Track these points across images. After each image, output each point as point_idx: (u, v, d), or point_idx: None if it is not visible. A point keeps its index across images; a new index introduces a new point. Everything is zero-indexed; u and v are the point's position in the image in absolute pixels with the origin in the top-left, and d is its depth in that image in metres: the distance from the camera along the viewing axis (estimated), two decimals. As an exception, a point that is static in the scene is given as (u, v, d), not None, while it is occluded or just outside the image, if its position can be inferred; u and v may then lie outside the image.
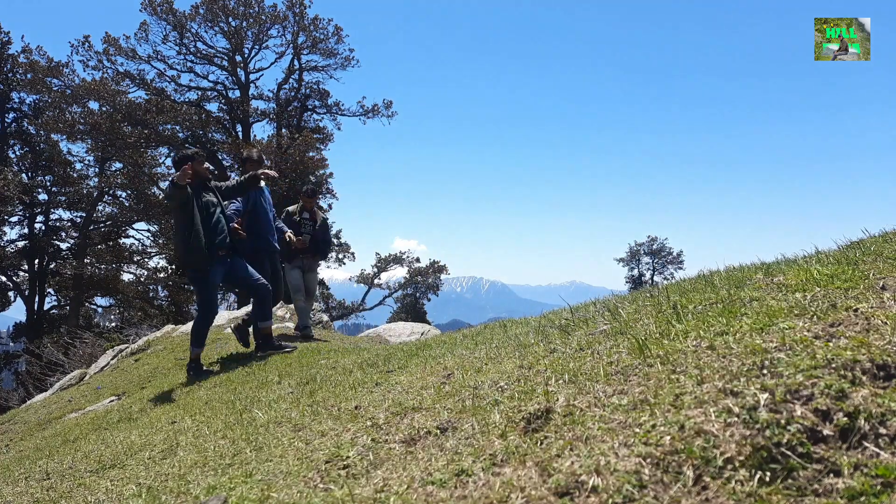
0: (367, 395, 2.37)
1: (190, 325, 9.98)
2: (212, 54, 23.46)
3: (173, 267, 25.89)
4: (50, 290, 26.11)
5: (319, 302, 24.67)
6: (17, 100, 25.09)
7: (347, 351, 5.36)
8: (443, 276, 30.43)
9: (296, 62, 24.23)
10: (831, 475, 0.94)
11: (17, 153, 25.62)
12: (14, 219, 24.95)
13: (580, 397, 1.45)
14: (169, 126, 22.53)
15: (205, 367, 5.29)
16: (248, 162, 5.96)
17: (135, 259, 25.87)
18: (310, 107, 25.50)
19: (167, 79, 23.17)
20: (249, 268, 5.27)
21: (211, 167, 5.22)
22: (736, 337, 1.51)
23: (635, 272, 47.38)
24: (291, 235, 6.47)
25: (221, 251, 4.96)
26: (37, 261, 25.42)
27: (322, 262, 7.93)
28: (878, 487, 0.89)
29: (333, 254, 27.02)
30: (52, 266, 25.56)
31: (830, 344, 1.29)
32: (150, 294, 25.97)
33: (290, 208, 7.09)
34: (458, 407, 1.74)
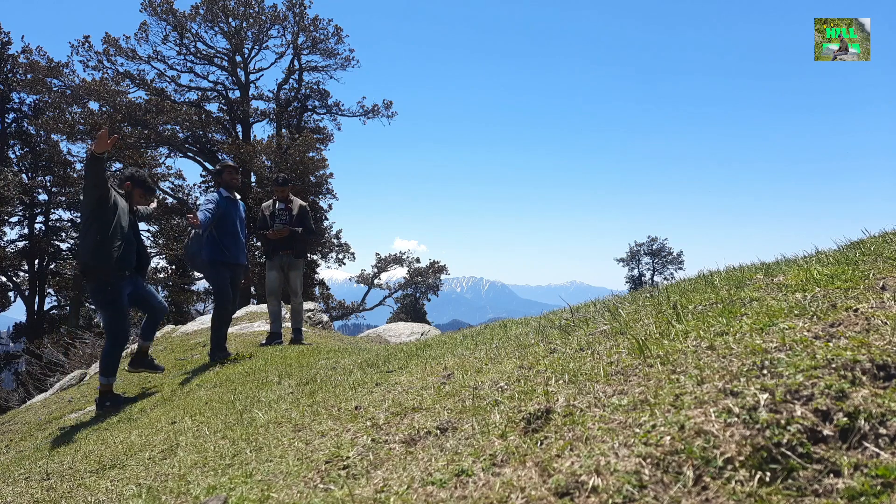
0: (367, 395, 2.37)
1: (190, 325, 9.98)
2: (212, 54, 23.49)
3: (173, 267, 25.94)
4: (50, 290, 26.13)
5: (319, 302, 24.66)
6: (17, 100, 25.15)
7: (347, 351, 5.36)
8: (443, 277, 30.43)
9: (296, 62, 24.25)
10: (831, 475, 0.94)
11: (17, 153, 25.66)
12: (14, 219, 25.00)
13: (580, 397, 1.45)
14: (169, 126, 22.53)
15: (124, 395, 4.89)
16: (226, 170, 5.80)
17: (135, 259, 25.83)
18: (310, 107, 25.51)
19: (167, 79, 23.22)
20: (152, 289, 5.05)
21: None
22: (736, 337, 1.51)
23: (635, 272, 47.40)
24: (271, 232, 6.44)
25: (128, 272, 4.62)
26: (37, 261, 25.45)
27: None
28: (878, 487, 0.89)
29: (334, 254, 27.01)
30: (52, 266, 25.59)
31: (830, 344, 1.29)
32: (150, 294, 25.94)
33: (264, 203, 6.83)
34: (458, 407, 1.74)
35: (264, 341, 6.86)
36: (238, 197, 5.85)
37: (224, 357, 5.67)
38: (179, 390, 4.63)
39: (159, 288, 26.20)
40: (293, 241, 6.60)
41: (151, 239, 25.99)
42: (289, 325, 7.89)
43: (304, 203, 6.88)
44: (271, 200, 6.82)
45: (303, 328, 7.14)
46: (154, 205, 5.19)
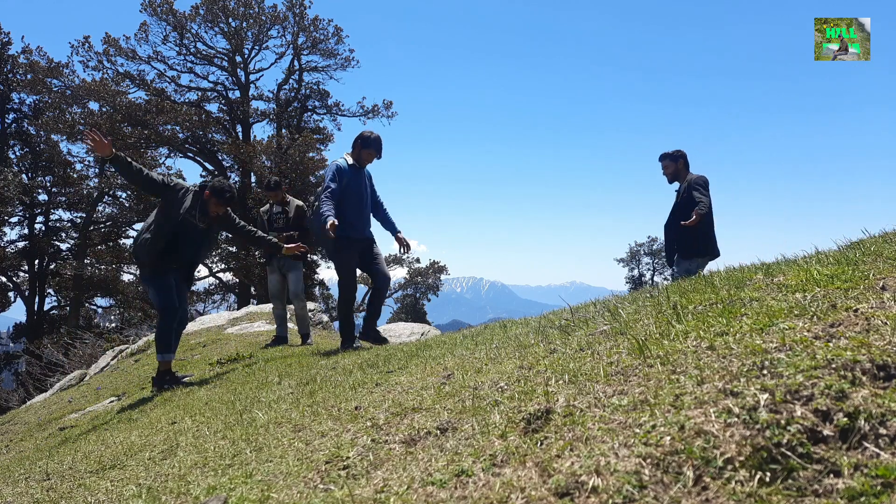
0: (367, 395, 2.37)
1: (190, 325, 9.98)
2: (212, 55, 23.50)
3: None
4: (50, 290, 26.12)
5: (319, 302, 24.64)
6: (17, 100, 25.11)
7: (347, 351, 5.35)
8: (443, 277, 30.43)
9: (296, 63, 24.26)
10: (831, 475, 0.94)
11: (17, 153, 25.65)
12: (14, 219, 24.98)
13: (580, 398, 1.45)
14: (169, 126, 22.55)
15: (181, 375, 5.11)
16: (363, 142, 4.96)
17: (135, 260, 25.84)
18: (310, 107, 25.51)
19: (167, 79, 23.23)
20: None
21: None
22: (736, 337, 1.51)
23: (635, 272, 47.37)
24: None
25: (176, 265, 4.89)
26: (37, 261, 25.43)
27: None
28: (878, 488, 0.89)
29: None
30: (52, 266, 25.58)
31: (830, 344, 1.29)
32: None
33: (262, 208, 6.81)
34: (458, 407, 1.74)
35: (270, 344, 6.81)
36: (365, 166, 5.09)
37: (351, 346, 5.02)
38: (179, 390, 4.63)
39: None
40: (289, 244, 6.57)
41: (151, 239, 25.96)
42: (294, 326, 7.77)
43: (300, 203, 6.82)
44: (268, 205, 6.80)
45: (310, 332, 6.99)
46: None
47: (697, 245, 5.35)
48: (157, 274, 4.79)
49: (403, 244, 5.28)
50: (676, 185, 5.65)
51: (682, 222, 5.22)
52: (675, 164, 5.56)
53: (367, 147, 4.95)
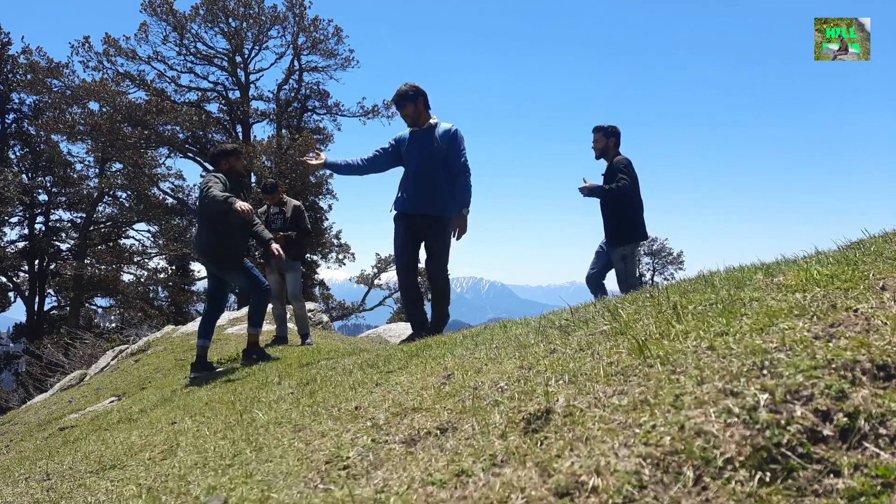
0: (367, 395, 2.36)
1: (190, 325, 9.97)
2: (212, 55, 23.50)
3: (173, 267, 25.94)
4: (50, 290, 26.15)
5: (319, 302, 24.64)
6: (17, 100, 25.15)
7: (347, 351, 5.35)
8: (443, 277, 30.37)
9: (296, 63, 24.26)
10: (831, 475, 0.94)
11: (17, 154, 25.67)
12: (14, 219, 25.00)
13: (580, 398, 1.45)
14: (169, 127, 22.54)
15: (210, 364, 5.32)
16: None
17: (135, 260, 25.92)
18: (310, 107, 25.51)
19: (167, 79, 23.23)
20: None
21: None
22: (736, 337, 1.51)
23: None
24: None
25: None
26: (37, 261, 25.45)
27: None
28: (878, 487, 0.89)
29: (334, 254, 26.98)
30: (52, 267, 25.60)
31: (830, 344, 1.29)
32: (151, 295, 26.00)
33: (259, 209, 6.77)
34: (458, 407, 1.74)
35: (269, 344, 6.82)
36: (433, 123, 4.55)
37: (417, 334, 4.52)
38: (179, 390, 4.63)
39: (160, 288, 26.23)
40: (287, 244, 6.56)
41: (151, 239, 26.02)
42: (294, 326, 7.76)
43: (297, 203, 6.80)
44: (265, 206, 6.79)
45: (310, 332, 7.00)
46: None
47: (624, 232, 5.31)
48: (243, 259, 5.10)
49: (455, 228, 4.50)
50: (603, 162, 5.48)
51: (579, 187, 5.33)
52: (606, 140, 5.41)
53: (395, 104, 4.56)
